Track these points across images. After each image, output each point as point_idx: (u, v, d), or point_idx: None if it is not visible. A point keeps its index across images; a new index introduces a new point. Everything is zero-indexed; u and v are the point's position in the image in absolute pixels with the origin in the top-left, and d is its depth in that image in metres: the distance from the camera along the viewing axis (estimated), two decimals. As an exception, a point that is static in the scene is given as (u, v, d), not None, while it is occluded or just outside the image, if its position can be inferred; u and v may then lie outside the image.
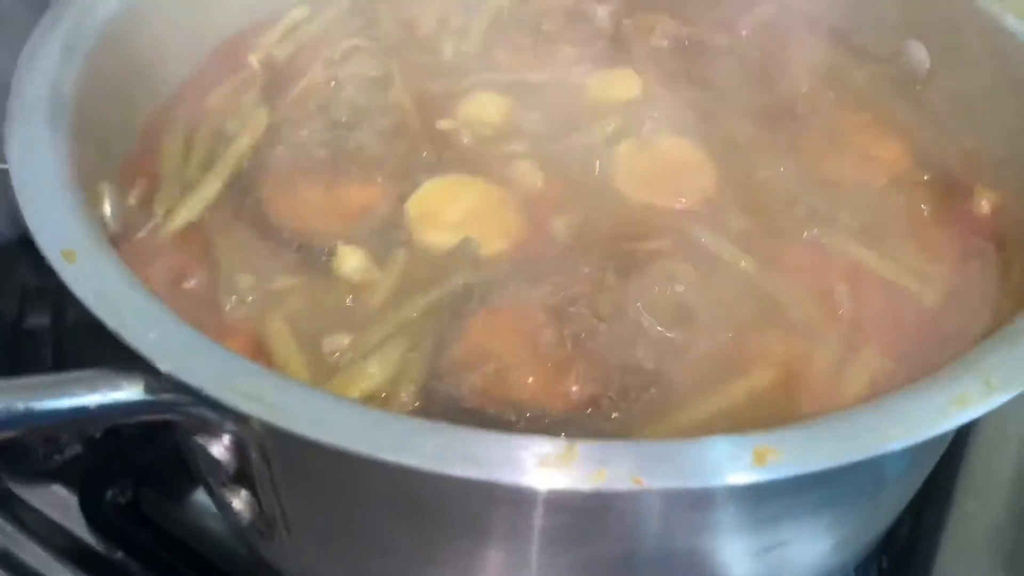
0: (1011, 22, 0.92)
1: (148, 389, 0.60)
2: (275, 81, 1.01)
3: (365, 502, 0.64)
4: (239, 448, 0.65)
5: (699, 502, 0.58)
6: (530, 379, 0.75)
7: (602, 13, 1.11)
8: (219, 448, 0.66)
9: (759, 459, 0.54)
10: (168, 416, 0.61)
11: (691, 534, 0.61)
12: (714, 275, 0.84)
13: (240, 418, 0.59)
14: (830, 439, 0.55)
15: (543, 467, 0.53)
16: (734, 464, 0.54)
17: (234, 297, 0.81)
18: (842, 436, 0.55)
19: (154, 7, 0.96)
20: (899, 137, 0.97)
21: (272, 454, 0.63)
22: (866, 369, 0.77)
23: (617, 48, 1.07)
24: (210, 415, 0.60)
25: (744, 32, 1.10)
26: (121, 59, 0.91)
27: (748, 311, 0.82)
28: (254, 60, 1.03)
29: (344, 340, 0.78)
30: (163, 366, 0.58)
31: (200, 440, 0.66)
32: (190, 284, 0.82)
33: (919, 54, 1.02)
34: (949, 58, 0.99)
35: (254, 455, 0.64)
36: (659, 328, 0.80)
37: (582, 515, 0.58)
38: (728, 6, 1.13)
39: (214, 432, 0.65)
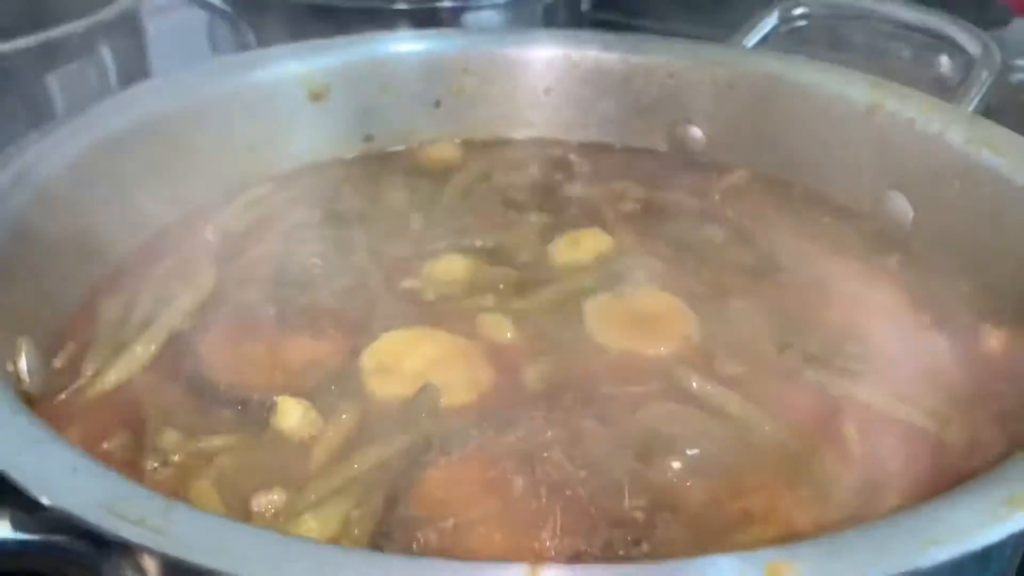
0: (986, 157, 0.89)
1: (17, 526, 0.48)
2: (230, 250, 0.96)
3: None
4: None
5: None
6: (497, 535, 0.64)
7: (569, 184, 1.09)
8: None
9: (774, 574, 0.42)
10: (41, 563, 0.50)
11: None
12: (707, 420, 0.75)
13: (129, 556, 0.48)
14: (860, 549, 0.44)
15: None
16: (744, 583, 0.42)
17: (158, 457, 0.71)
18: (874, 545, 0.44)
19: (105, 178, 0.93)
20: (892, 282, 0.91)
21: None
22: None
23: (586, 214, 1.03)
24: (93, 555, 0.49)
25: (717, 196, 1.07)
26: (60, 223, 0.87)
27: (747, 457, 0.72)
28: (210, 232, 0.99)
29: (276, 498, 0.67)
30: (38, 494, 0.47)
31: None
32: (110, 445, 0.73)
33: (901, 205, 0.99)
34: (931, 204, 0.96)
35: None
36: (649, 476, 0.69)
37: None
38: (697, 173, 1.11)
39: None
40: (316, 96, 1.10)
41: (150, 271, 0.93)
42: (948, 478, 0.69)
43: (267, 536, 0.45)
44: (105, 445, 0.73)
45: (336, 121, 1.12)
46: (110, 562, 0.49)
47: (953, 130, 0.93)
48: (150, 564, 0.48)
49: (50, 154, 0.89)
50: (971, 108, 1.00)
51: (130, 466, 0.71)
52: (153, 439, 0.72)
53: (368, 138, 1.14)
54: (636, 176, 1.10)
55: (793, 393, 0.78)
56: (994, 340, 0.83)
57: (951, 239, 0.93)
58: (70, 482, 0.48)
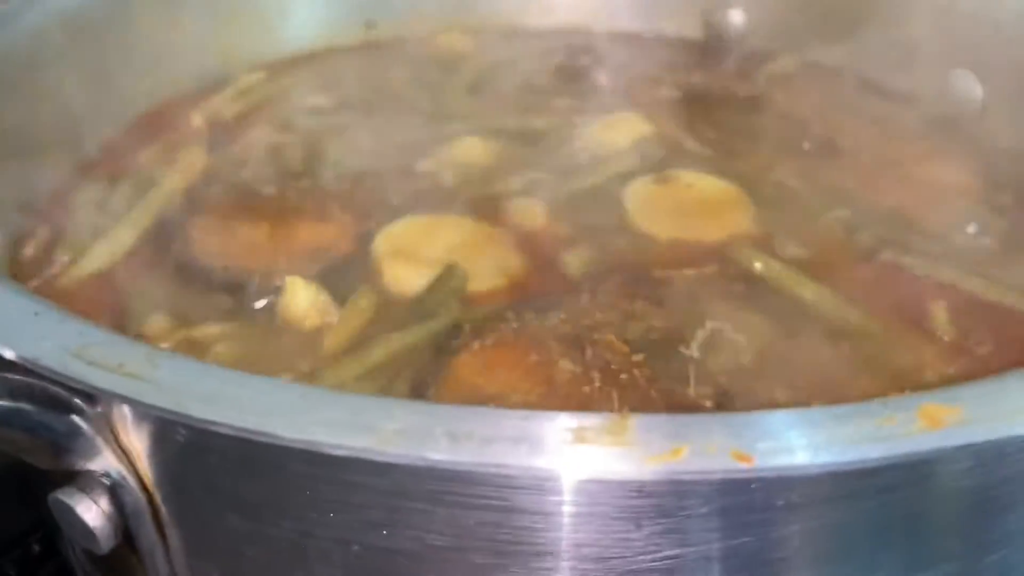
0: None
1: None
2: (221, 136, 0.85)
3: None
4: (119, 508, 0.43)
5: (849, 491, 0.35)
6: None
7: (597, 71, 0.99)
8: (91, 511, 0.43)
9: (930, 420, 0.33)
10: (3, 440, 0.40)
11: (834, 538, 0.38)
12: (773, 302, 0.65)
13: (109, 424, 0.38)
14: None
15: (582, 444, 0.32)
16: (889, 430, 0.33)
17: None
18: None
19: (75, 55, 0.83)
20: (966, 163, 0.81)
21: (167, 495, 0.41)
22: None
23: (619, 100, 0.93)
24: (65, 426, 0.39)
25: (763, 82, 0.96)
26: (26, 105, 0.76)
27: (824, 346, 0.63)
28: (198, 117, 0.88)
29: (286, 386, 0.57)
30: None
31: (64, 498, 0.44)
32: (86, 336, 0.63)
33: (968, 84, 0.88)
34: (1008, 79, 0.85)
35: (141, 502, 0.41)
36: (717, 361, 0.60)
37: (647, 516, 0.35)
38: (738, 62, 1.01)
39: (85, 486, 0.43)
40: (311, -26, 0.99)
41: (132, 157, 0.82)
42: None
43: (283, 385, 0.35)
44: (82, 335, 0.63)
45: (335, 4, 1.01)
46: (78, 438, 0.38)
47: (1033, -7, 0.82)
48: (128, 437, 0.38)
49: (11, 23, 0.78)
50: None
51: (111, 357, 0.61)
52: (137, 325, 0.62)
53: (369, 25, 1.03)
54: (671, 64, 0.99)
55: (869, 276, 0.69)
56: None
57: (1027, 117, 0.83)
58: (32, 328, 0.38)
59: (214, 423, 0.33)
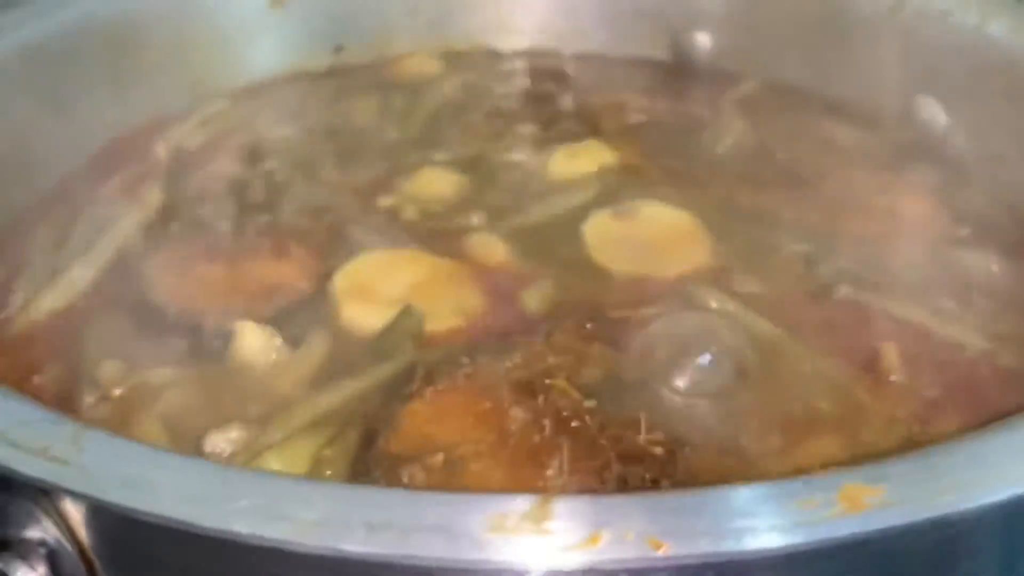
0: (1035, 48, 0.79)
1: None
2: (182, 168, 0.85)
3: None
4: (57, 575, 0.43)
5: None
6: (495, 472, 0.54)
7: (563, 96, 0.98)
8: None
9: (851, 503, 0.33)
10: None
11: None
12: (732, 343, 0.65)
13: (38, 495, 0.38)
14: (956, 468, 0.35)
15: (499, 534, 0.32)
16: (809, 514, 0.33)
17: (96, 391, 0.61)
18: (972, 465, 0.35)
19: (40, 86, 0.82)
20: (926, 195, 0.82)
21: (106, 563, 0.41)
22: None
23: (584, 126, 0.93)
24: None
25: (727, 107, 0.96)
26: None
27: (778, 382, 0.63)
28: (160, 149, 0.88)
29: (234, 436, 0.57)
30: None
31: (1, 566, 0.44)
32: (41, 379, 0.63)
33: (932, 111, 0.89)
34: (968, 107, 0.85)
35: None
36: (669, 405, 0.60)
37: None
38: (704, 85, 1.01)
39: (24, 553, 0.43)
40: (278, 1, 0.98)
41: (92, 191, 0.82)
42: (1006, 405, 0.62)
43: (205, 468, 0.36)
44: (36, 379, 0.63)
45: (301, 29, 1.00)
46: (15, 504, 0.39)
47: (996, 21, 0.83)
48: (65, 505, 0.38)
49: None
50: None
51: (64, 401, 0.61)
52: (91, 371, 0.62)
53: (337, 49, 1.03)
54: (637, 88, 0.99)
55: (826, 313, 0.69)
56: (1044, 252, 0.75)
57: (991, 144, 0.83)
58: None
59: (134, 511, 0.33)
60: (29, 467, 0.35)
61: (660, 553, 0.31)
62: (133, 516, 0.33)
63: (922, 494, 0.34)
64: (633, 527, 0.32)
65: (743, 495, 0.34)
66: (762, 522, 0.33)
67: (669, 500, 0.33)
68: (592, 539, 0.32)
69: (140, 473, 0.35)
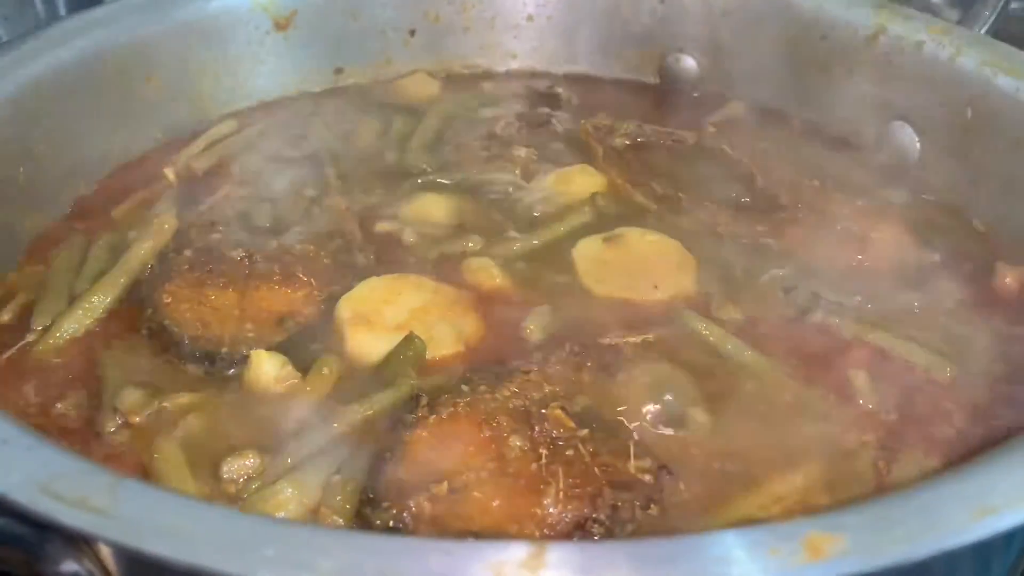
0: (1004, 82, 0.83)
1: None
2: (192, 192, 0.89)
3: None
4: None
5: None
6: (495, 500, 0.58)
7: (556, 119, 1.02)
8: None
9: (813, 552, 0.37)
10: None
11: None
12: (713, 367, 0.70)
13: (74, 541, 0.42)
14: (910, 517, 0.39)
15: (500, 581, 0.36)
16: (776, 561, 0.37)
17: (117, 418, 0.65)
18: (924, 513, 0.39)
19: (52, 114, 0.86)
20: (900, 221, 0.86)
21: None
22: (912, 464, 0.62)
23: (575, 150, 0.97)
24: (32, 539, 0.42)
25: (712, 131, 1.00)
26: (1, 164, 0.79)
27: (759, 409, 0.67)
28: (170, 172, 0.91)
29: (250, 463, 0.61)
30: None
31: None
32: (64, 406, 0.66)
33: (907, 136, 0.93)
34: (940, 134, 0.90)
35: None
36: (656, 431, 0.64)
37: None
38: (690, 107, 1.05)
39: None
40: (281, 25, 1.02)
41: (106, 216, 0.86)
42: (970, 429, 0.66)
43: (233, 517, 0.39)
44: (59, 406, 0.66)
45: (303, 52, 1.04)
46: (52, 546, 0.42)
47: (966, 54, 0.87)
48: (99, 547, 0.42)
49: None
50: (983, 30, 0.93)
51: (86, 428, 0.65)
52: (112, 398, 0.66)
53: (338, 71, 1.06)
54: (626, 110, 1.03)
55: (802, 337, 0.73)
56: (1009, 278, 0.79)
57: (962, 172, 0.88)
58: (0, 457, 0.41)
59: (168, 560, 0.37)
60: (70, 518, 0.39)
61: (642, 599, 0.35)
62: (167, 564, 0.37)
63: (879, 542, 0.38)
64: (618, 575, 0.36)
65: (718, 542, 0.38)
66: (735, 569, 0.37)
67: (651, 548, 0.38)
68: (582, 585, 0.36)
69: (173, 523, 0.38)
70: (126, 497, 0.39)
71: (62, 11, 1.20)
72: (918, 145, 0.92)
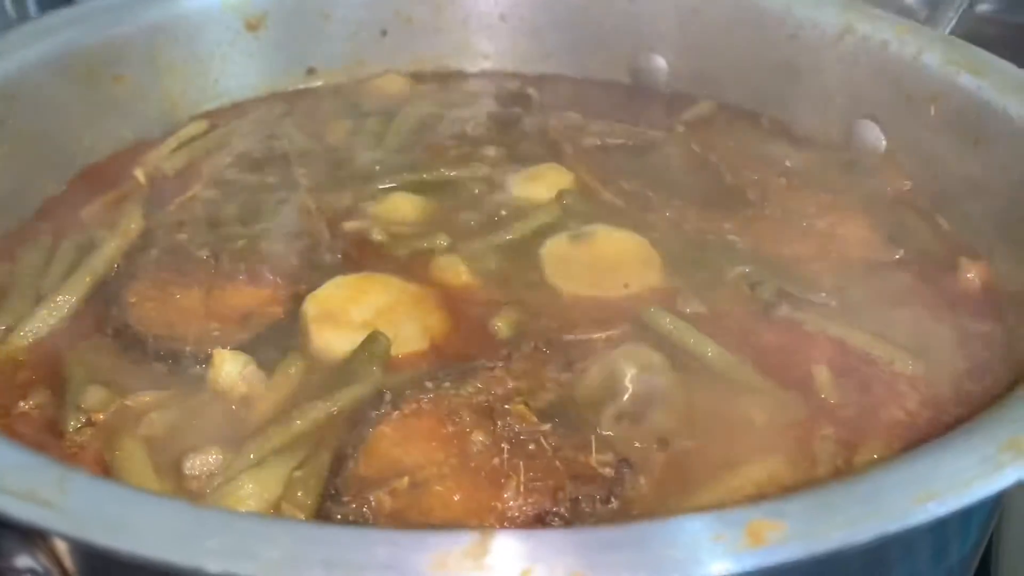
0: (966, 80, 0.84)
1: None
2: (161, 193, 0.89)
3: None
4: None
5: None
6: (456, 495, 0.59)
7: (526, 118, 1.02)
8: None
9: (755, 538, 0.38)
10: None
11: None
12: (677, 361, 0.70)
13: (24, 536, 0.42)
14: (849, 505, 0.39)
15: (441, 571, 0.36)
16: (720, 547, 0.38)
17: (80, 417, 0.65)
18: (864, 500, 0.40)
19: (21, 114, 0.86)
20: (864, 217, 0.87)
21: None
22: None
23: (544, 149, 0.97)
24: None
25: (681, 129, 1.01)
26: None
27: (719, 403, 0.68)
28: (140, 173, 0.91)
29: (212, 459, 0.61)
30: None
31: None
32: (27, 405, 0.66)
33: (873, 134, 0.94)
34: (905, 132, 0.91)
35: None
36: (617, 428, 0.65)
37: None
38: (660, 106, 1.06)
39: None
40: (252, 25, 1.02)
41: (73, 216, 0.85)
42: (931, 423, 0.67)
43: (180, 508, 0.39)
44: (22, 405, 0.66)
45: (275, 53, 1.04)
46: (6, 541, 0.42)
47: (930, 52, 0.88)
48: (54, 544, 0.42)
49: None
50: (947, 30, 0.94)
51: (50, 428, 0.65)
52: (75, 397, 0.66)
53: (310, 71, 1.07)
54: (597, 109, 1.04)
55: (765, 332, 0.74)
56: (972, 273, 0.80)
57: (926, 169, 0.88)
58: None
59: (115, 551, 0.37)
60: (17, 510, 0.39)
61: (584, 585, 0.35)
62: (116, 556, 0.37)
63: (820, 528, 0.39)
64: (562, 562, 0.36)
65: (663, 530, 0.38)
66: (678, 554, 0.37)
67: (597, 535, 0.38)
68: (524, 573, 0.36)
69: (120, 514, 0.38)
70: (74, 489, 0.40)
71: (32, 11, 1.19)
72: (883, 143, 0.93)
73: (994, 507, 0.59)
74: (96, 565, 0.45)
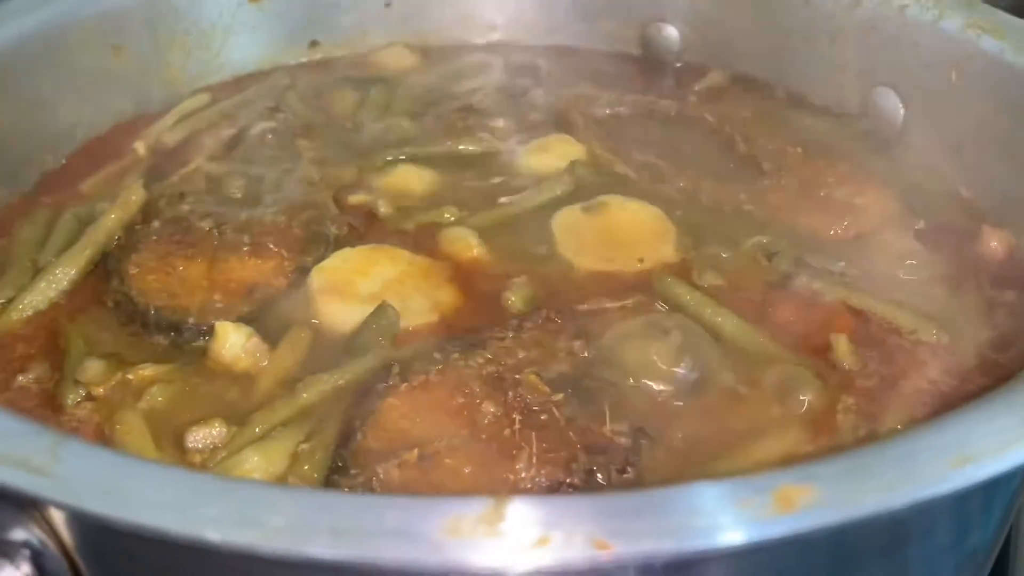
0: (988, 43, 0.81)
1: None
2: (162, 166, 0.87)
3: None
4: (41, 573, 0.46)
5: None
6: (466, 467, 0.57)
7: (535, 90, 1.00)
8: None
9: (784, 503, 0.36)
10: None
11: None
12: (693, 334, 0.68)
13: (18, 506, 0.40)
14: (886, 467, 0.37)
15: (454, 537, 0.34)
16: (747, 513, 0.36)
17: (80, 391, 0.63)
18: (899, 464, 0.38)
19: (18, 85, 0.84)
20: (883, 187, 0.84)
21: (88, 561, 0.43)
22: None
23: (554, 120, 0.95)
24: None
25: (693, 99, 0.98)
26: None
27: (737, 373, 0.66)
28: (140, 147, 0.89)
29: (216, 432, 0.59)
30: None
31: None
32: (25, 379, 0.65)
33: (891, 102, 0.91)
34: (924, 99, 0.88)
35: None
36: (632, 397, 0.63)
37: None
38: (671, 77, 1.03)
39: (8, 552, 0.45)
40: (254, -4, 1.00)
41: (73, 189, 0.84)
42: (956, 393, 0.65)
43: (178, 475, 0.38)
44: (20, 379, 0.65)
45: (278, 24, 1.02)
46: (4, 508, 0.41)
47: (949, 16, 0.85)
48: (48, 509, 0.40)
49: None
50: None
51: (49, 402, 0.63)
52: (74, 370, 0.64)
53: (314, 43, 1.04)
54: (607, 81, 1.01)
55: (784, 302, 0.72)
56: (995, 241, 0.77)
57: (946, 137, 0.86)
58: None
59: (110, 519, 0.35)
60: (10, 478, 0.37)
61: (605, 554, 0.33)
62: (112, 524, 0.36)
63: (853, 493, 0.37)
64: (582, 529, 0.34)
65: (686, 495, 0.36)
66: (703, 521, 0.35)
67: (617, 502, 0.36)
68: (542, 541, 0.34)
69: (116, 482, 0.37)
70: (67, 456, 0.38)
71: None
72: (902, 111, 0.90)
73: (1017, 490, 0.57)
74: (94, 538, 0.43)
